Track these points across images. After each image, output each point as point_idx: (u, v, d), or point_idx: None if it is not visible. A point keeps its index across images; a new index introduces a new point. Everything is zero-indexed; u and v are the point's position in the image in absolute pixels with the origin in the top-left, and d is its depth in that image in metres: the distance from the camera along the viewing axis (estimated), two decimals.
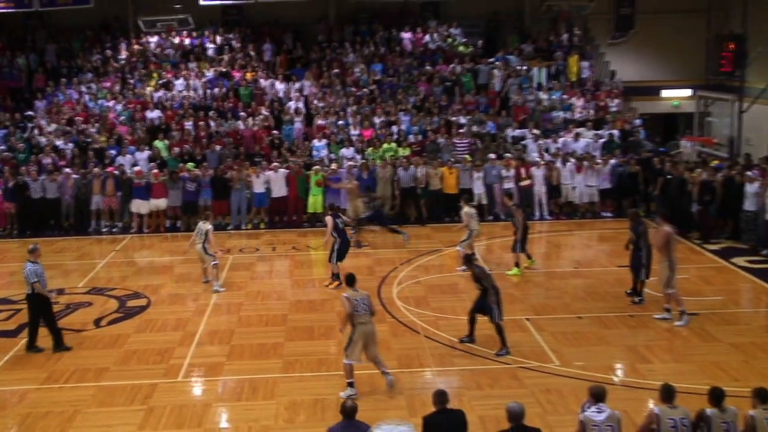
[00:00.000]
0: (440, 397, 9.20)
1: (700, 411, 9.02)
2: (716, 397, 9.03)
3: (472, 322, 14.21)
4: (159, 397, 12.48)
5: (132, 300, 17.43)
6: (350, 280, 12.69)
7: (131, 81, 29.07)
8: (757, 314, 16.12)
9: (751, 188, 20.17)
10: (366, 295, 12.46)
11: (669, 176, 22.47)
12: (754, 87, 28.92)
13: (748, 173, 20.67)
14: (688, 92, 32.80)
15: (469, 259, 14.50)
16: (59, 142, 25.60)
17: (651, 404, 11.06)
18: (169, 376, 13.32)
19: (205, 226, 17.77)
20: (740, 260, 19.48)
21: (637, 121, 27.82)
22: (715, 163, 23.56)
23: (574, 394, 11.97)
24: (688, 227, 21.75)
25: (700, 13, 32.15)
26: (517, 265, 18.69)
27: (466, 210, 19.17)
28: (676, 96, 33.18)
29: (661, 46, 32.42)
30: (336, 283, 17.62)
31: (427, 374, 13.20)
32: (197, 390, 12.97)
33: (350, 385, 12.31)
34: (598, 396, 8.99)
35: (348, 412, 8.95)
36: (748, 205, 20.32)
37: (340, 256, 17.85)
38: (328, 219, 17.88)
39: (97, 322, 16.02)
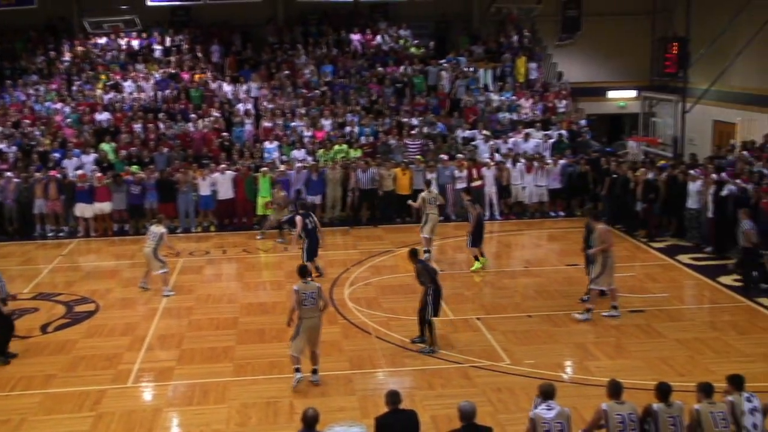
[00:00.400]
0: (392, 397, 9.21)
1: (647, 406, 9.19)
2: (662, 392, 9.21)
3: (421, 322, 14.28)
4: (108, 404, 12.32)
5: (79, 305, 17.17)
6: (302, 272, 12.82)
7: (77, 83, 28.64)
8: (701, 310, 16.45)
9: (693, 187, 20.56)
10: (316, 288, 12.56)
11: (614, 176, 22.81)
12: (696, 88, 29.50)
13: (691, 172, 21.05)
14: (633, 93, 33.34)
15: (414, 254, 14.40)
16: (2, 145, 25.11)
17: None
18: (118, 381, 13.16)
19: (158, 229, 17.57)
20: (685, 257, 19.85)
21: (583, 122, 28.24)
22: (661, 162, 23.96)
23: (525, 393, 12.09)
24: (635, 226, 22.15)
25: (644, 15, 32.72)
26: (477, 258, 19.03)
27: (423, 194, 19.86)
28: (622, 97, 33.74)
29: (607, 48, 32.94)
30: (317, 274, 18.08)
31: (379, 375, 13.23)
32: (147, 395, 12.82)
33: (297, 370, 12.50)
34: (547, 393, 9.11)
35: (308, 421, 8.84)
36: (691, 203, 20.73)
37: (310, 256, 17.94)
38: (298, 219, 18.08)
39: (43, 328, 15.74)
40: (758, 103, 27.03)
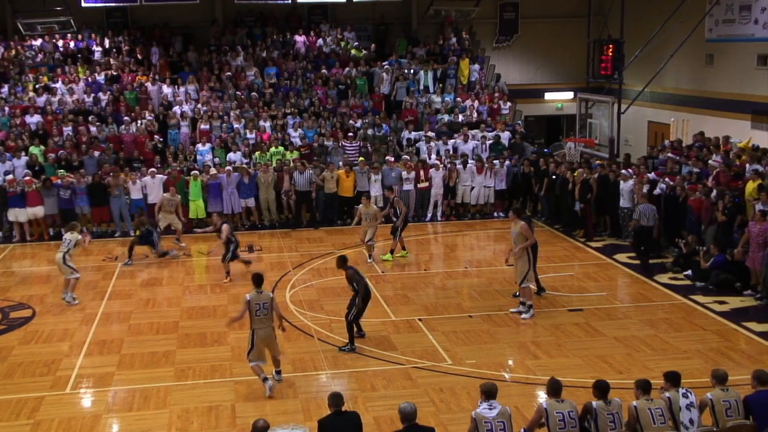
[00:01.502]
0: (335, 399, 9.23)
1: (586, 404, 9.35)
2: (601, 389, 9.37)
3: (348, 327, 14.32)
4: (46, 411, 12.10)
5: (15, 311, 16.83)
6: (256, 280, 12.70)
7: (7, 85, 27.93)
8: (638, 308, 16.70)
9: (625, 186, 20.89)
10: (269, 299, 12.50)
11: (554, 176, 23.11)
12: (631, 89, 30.03)
13: (623, 171, 21.41)
14: (570, 95, 33.79)
15: (343, 261, 14.37)
16: None
17: (540, 399, 11.37)
18: (56, 388, 12.93)
19: (72, 236, 17.19)
20: (622, 257, 20.17)
21: (519, 122, 28.60)
22: (596, 162, 24.29)
23: (467, 392, 12.22)
24: (573, 226, 22.48)
25: (580, 18, 33.14)
26: (392, 251, 19.87)
27: (359, 208, 20.20)
28: (559, 98, 34.18)
29: (543, 50, 33.39)
30: (229, 279, 18.54)
31: (321, 377, 13.21)
32: (86, 401, 12.61)
33: (265, 380, 12.39)
34: (489, 393, 9.19)
35: (259, 431, 8.86)
36: (623, 202, 21.07)
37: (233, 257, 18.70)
38: (225, 227, 18.52)
39: None
40: (690, 104, 27.73)
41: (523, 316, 15.78)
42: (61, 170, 23.46)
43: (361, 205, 20.15)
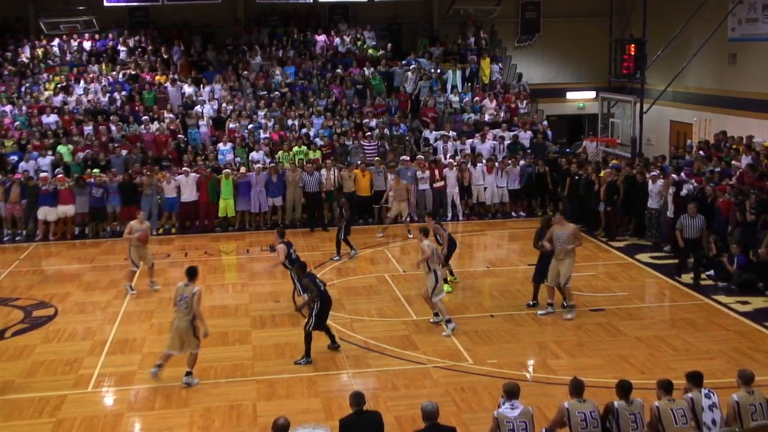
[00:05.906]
0: (356, 399, 9.23)
1: (608, 404, 9.31)
2: (623, 389, 9.34)
3: (326, 330, 14.15)
4: (68, 409, 12.17)
5: (38, 310, 16.92)
6: (189, 274, 12.98)
7: (26, 84, 28.06)
8: (661, 308, 16.64)
9: (654, 187, 20.77)
10: (191, 294, 12.65)
11: (577, 176, 23.01)
12: (654, 89, 29.84)
13: (653, 173, 21.26)
14: (592, 94, 33.62)
15: (301, 268, 14.83)
16: None
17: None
18: (78, 386, 13.00)
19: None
20: (644, 256, 20.08)
21: (545, 122, 28.50)
22: (613, 162, 24.15)
23: (488, 392, 12.19)
24: (596, 226, 22.36)
25: (602, 17, 33.03)
26: (445, 281, 17.93)
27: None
28: (581, 98, 34.02)
29: (565, 50, 33.24)
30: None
31: (343, 376, 13.23)
32: (108, 400, 12.68)
33: (158, 366, 12.86)
34: (511, 393, 9.18)
35: (279, 430, 8.86)
36: (651, 203, 20.94)
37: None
38: (281, 247, 16.82)
39: (1, 334, 15.50)
40: (713, 103, 27.50)
41: (567, 316, 15.65)
42: (95, 169, 23.58)
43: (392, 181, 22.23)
